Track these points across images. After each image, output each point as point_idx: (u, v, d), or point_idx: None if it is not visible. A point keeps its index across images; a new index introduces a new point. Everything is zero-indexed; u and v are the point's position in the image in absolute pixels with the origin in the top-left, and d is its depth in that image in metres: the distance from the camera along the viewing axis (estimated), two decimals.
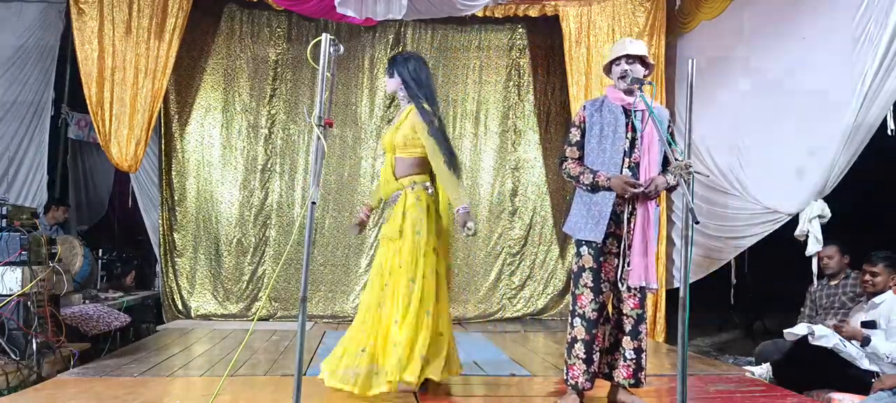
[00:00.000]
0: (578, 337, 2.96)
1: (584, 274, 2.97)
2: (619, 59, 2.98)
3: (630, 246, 2.92)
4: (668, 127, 3.04)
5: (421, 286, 3.17)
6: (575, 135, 3.05)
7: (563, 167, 3.07)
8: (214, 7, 6.15)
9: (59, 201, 5.90)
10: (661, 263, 5.37)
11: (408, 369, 3.08)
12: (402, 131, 3.30)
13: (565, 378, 3.03)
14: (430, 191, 3.31)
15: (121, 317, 4.91)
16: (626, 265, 2.93)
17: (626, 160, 2.94)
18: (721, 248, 5.10)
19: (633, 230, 2.91)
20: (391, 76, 3.38)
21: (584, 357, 2.96)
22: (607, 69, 3.09)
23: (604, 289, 2.97)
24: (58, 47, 5.83)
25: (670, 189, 2.99)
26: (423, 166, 3.31)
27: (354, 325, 3.27)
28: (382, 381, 3.08)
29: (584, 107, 3.08)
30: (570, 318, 3.03)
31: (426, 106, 3.28)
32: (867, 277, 3.67)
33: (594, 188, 2.94)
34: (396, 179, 3.33)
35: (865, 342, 3.41)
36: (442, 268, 3.33)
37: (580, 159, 3.02)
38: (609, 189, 2.90)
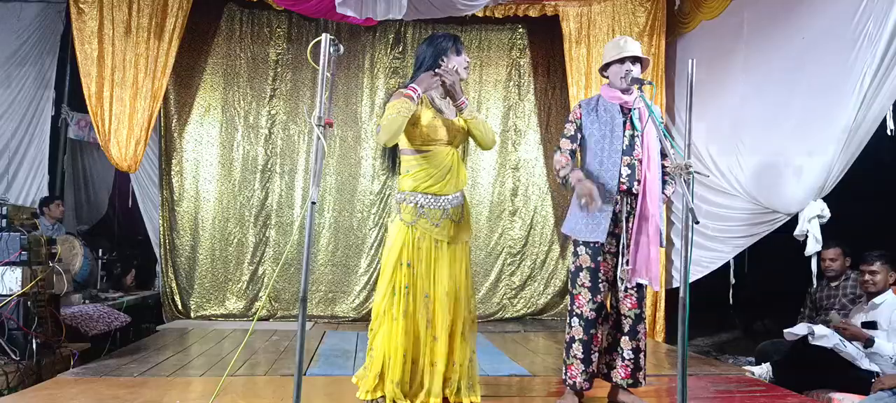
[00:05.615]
0: (576, 337, 2.96)
1: (581, 273, 2.97)
2: (623, 59, 2.97)
3: (628, 245, 2.93)
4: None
5: None
6: (570, 128, 3.04)
7: (555, 157, 3.05)
8: (214, 7, 6.15)
9: (52, 198, 5.80)
10: (660, 263, 5.36)
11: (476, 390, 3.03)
12: (459, 124, 2.96)
13: (564, 378, 3.03)
14: None
15: (121, 317, 4.91)
16: (624, 263, 2.93)
17: (626, 158, 2.93)
18: (721, 248, 5.10)
19: (632, 228, 2.92)
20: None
21: (581, 357, 2.96)
22: (604, 68, 3.07)
23: (602, 289, 2.96)
24: (58, 47, 5.83)
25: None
26: None
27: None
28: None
29: (580, 105, 3.07)
30: (568, 318, 3.03)
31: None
32: (867, 277, 3.66)
33: (564, 182, 2.95)
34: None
35: (869, 343, 3.41)
36: None
37: (571, 153, 3.02)
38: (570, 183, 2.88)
